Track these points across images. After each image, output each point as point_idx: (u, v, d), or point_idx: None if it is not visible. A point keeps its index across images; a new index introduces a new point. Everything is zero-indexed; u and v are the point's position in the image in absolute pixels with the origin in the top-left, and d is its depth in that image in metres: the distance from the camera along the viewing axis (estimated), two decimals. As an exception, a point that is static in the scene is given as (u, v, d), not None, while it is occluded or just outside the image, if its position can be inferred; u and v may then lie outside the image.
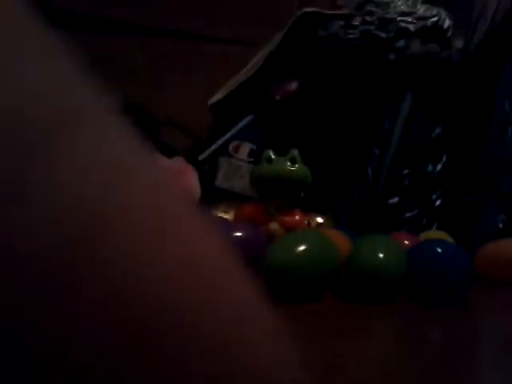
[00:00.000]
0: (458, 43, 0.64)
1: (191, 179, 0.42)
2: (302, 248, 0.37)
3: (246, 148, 0.73)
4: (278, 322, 0.14)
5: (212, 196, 0.65)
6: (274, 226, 0.47)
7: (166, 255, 0.11)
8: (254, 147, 0.72)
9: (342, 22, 0.64)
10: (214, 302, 0.12)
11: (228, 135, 0.72)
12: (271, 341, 0.14)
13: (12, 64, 0.10)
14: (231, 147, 0.72)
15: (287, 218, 0.48)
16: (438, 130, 0.65)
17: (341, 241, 0.42)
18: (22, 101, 0.10)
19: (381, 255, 0.38)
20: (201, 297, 0.12)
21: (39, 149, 0.10)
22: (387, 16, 0.63)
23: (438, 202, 0.65)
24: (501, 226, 0.82)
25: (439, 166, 0.65)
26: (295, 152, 0.49)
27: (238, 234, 0.41)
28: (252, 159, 0.71)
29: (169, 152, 0.70)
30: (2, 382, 0.10)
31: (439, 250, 0.42)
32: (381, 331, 0.35)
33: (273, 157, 0.49)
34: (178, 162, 0.43)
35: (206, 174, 0.70)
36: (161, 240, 0.11)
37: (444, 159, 0.65)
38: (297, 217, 0.49)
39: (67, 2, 0.87)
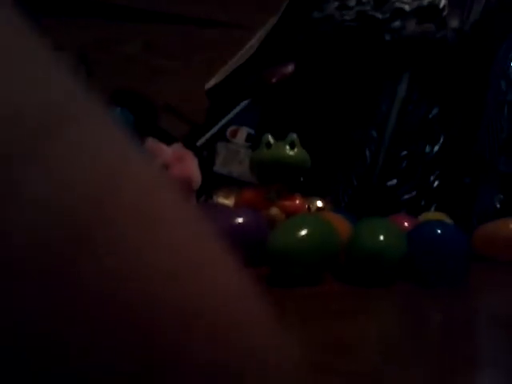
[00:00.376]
0: (454, 23, 0.63)
1: (191, 166, 0.42)
2: (303, 232, 0.37)
3: (243, 133, 0.73)
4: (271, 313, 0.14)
5: (211, 182, 0.65)
6: (274, 211, 0.48)
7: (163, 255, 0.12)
8: (252, 132, 0.72)
9: (337, 3, 0.64)
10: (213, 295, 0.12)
11: (225, 120, 0.72)
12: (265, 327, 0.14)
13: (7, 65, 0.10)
14: (229, 132, 0.72)
15: (287, 203, 0.48)
16: (435, 111, 0.65)
17: (341, 224, 0.43)
18: (16, 100, 0.10)
19: (381, 238, 0.39)
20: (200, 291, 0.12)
21: (33, 145, 0.10)
22: (383, -4, 0.63)
23: (436, 183, 0.65)
24: (498, 205, 0.82)
25: (437, 147, 0.65)
26: (294, 136, 0.49)
27: (240, 220, 0.42)
28: (250, 144, 0.71)
29: (167, 138, 0.70)
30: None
31: (438, 232, 0.42)
32: (381, 313, 0.36)
33: (272, 141, 0.49)
34: (177, 149, 0.43)
35: (205, 159, 0.70)
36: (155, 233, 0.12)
37: (441, 140, 0.65)
38: (297, 201, 0.49)
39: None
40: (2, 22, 0.11)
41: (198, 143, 0.70)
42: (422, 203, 0.64)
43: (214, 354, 0.12)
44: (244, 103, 0.72)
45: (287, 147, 0.48)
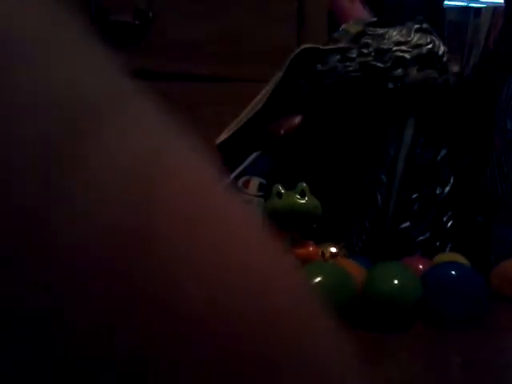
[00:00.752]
0: (455, 68, 0.65)
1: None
2: (317, 280, 0.37)
3: (255, 182, 0.74)
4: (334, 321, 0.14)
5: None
6: (288, 259, 0.48)
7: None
8: (264, 181, 0.73)
9: (339, 56, 0.66)
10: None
11: (237, 171, 0.74)
12: (331, 336, 0.14)
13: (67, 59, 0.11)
14: (241, 183, 0.74)
15: (301, 251, 0.49)
16: (443, 153, 0.66)
17: (355, 270, 0.43)
18: (81, 81, 0.11)
19: (395, 282, 0.39)
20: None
21: (98, 121, 0.11)
22: (383, 47, 0.65)
23: (449, 224, 0.65)
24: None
25: (447, 188, 0.65)
26: (303, 185, 0.50)
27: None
28: (262, 193, 0.72)
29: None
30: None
31: (452, 273, 0.42)
32: (399, 360, 0.36)
33: (282, 191, 0.50)
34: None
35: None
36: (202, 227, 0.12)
37: (451, 181, 0.66)
38: (310, 248, 0.50)
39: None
40: (66, 20, 0.12)
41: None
42: (437, 244, 0.64)
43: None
44: (255, 154, 0.73)
45: (297, 196, 0.49)
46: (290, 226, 0.49)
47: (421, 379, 0.31)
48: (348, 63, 0.65)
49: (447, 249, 0.63)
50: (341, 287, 0.38)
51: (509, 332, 0.43)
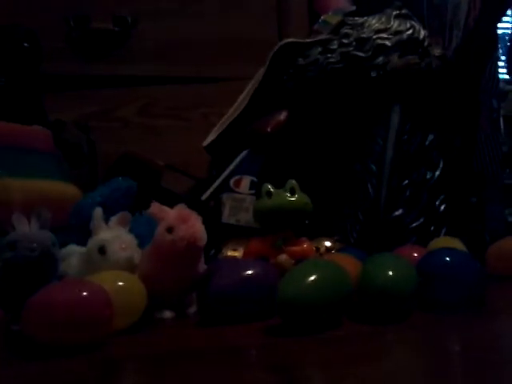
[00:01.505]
0: (437, 51, 0.65)
1: (195, 225, 0.43)
2: (311, 279, 0.37)
3: (246, 181, 0.74)
4: None
5: (220, 234, 0.65)
6: (283, 258, 0.48)
7: None
8: (255, 179, 0.73)
9: (320, 48, 0.66)
10: None
11: (227, 172, 0.74)
12: None
13: None
14: (232, 182, 0.73)
15: (295, 248, 0.49)
16: (430, 137, 0.66)
17: (350, 264, 0.43)
18: None
19: (390, 274, 0.39)
20: None
21: None
22: (363, 35, 0.65)
23: (442, 208, 0.65)
24: (510, 219, 0.82)
25: (438, 172, 0.65)
26: (293, 182, 0.50)
27: (249, 272, 0.42)
28: (254, 191, 0.72)
29: (171, 198, 0.71)
30: None
31: (448, 260, 0.42)
32: (402, 351, 0.35)
33: (272, 190, 0.50)
34: (180, 210, 0.44)
35: (211, 212, 0.71)
36: None
37: (441, 165, 0.66)
38: (304, 245, 0.50)
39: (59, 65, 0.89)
40: None
41: (203, 197, 0.71)
42: (432, 229, 0.64)
43: None
44: (244, 153, 0.73)
45: (287, 194, 0.49)
46: (282, 225, 0.49)
47: (422, 370, 0.31)
48: (329, 55, 0.65)
49: (442, 233, 0.63)
50: (336, 283, 0.38)
51: (507, 314, 0.43)
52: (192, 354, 0.34)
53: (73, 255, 0.46)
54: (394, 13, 0.67)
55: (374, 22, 0.66)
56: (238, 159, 0.73)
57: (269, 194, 0.49)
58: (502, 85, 0.76)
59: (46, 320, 0.33)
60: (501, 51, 0.93)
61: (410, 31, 0.65)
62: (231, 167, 0.73)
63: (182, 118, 0.95)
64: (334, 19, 0.71)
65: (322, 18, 0.74)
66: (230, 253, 0.56)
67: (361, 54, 0.64)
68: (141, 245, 0.45)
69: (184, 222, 0.42)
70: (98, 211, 0.44)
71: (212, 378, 0.29)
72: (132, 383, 0.30)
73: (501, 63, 0.87)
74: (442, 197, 0.66)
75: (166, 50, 0.95)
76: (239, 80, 0.82)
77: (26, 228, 0.39)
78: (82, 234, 0.46)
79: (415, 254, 0.49)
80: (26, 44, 0.75)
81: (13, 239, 0.38)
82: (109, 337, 0.36)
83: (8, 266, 0.39)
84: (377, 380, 0.29)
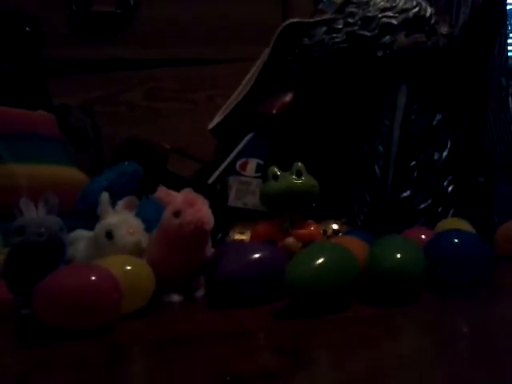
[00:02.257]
0: (444, 29, 0.64)
1: (202, 209, 0.42)
2: (319, 261, 0.37)
3: (252, 164, 0.73)
4: None
5: (226, 217, 0.65)
6: (290, 240, 0.48)
7: None
8: (261, 162, 0.73)
9: (325, 28, 0.65)
10: None
11: (233, 154, 0.73)
12: None
13: None
14: (238, 165, 0.73)
15: (302, 231, 0.49)
16: (438, 117, 0.65)
17: (358, 247, 0.43)
18: None
19: (398, 256, 0.39)
20: None
21: None
22: (369, 14, 0.64)
23: (450, 188, 0.65)
24: (518, 199, 0.81)
25: (445, 153, 0.65)
26: (299, 164, 0.50)
27: (257, 255, 0.42)
28: (260, 174, 0.72)
29: (178, 181, 0.71)
30: None
31: (456, 241, 0.42)
32: (410, 333, 0.35)
33: (278, 173, 0.49)
34: (187, 194, 0.44)
35: (218, 195, 0.71)
36: None
37: (449, 145, 0.65)
38: (311, 228, 0.50)
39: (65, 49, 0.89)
40: None
41: (209, 181, 0.71)
42: (439, 210, 0.64)
43: None
44: (250, 136, 0.73)
45: (294, 176, 0.48)
46: (289, 208, 0.49)
47: (430, 352, 0.31)
48: (335, 34, 0.64)
49: (449, 214, 0.63)
50: (344, 265, 0.38)
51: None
52: (200, 338, 0.34)
53: (80, 240, 0.46)
54: (401, -10, 0.65)
55: (380, 1, 0.65)
56: (243, 142, 0.73)
57: (275, 176, 0.49)
58: (510, 62, 0.75)
59: (54, 304, 0.33)
60: (509, 28, 0.92)
61: (417, 9, 0.64)
62: (237, 150, 0.73)
63: (187, 101, 0.94)
64: (338, -2, 0.70)
65: (326, -3, 0.73)
66: (237, 236, 0.56)
67: (367, 33, 0.63)
68: (148, 229, 0.45)
69: (191, 206, 0.42)
70: (105, 196, 0.44)
71: (220, 361, 0.30)
72: (141, 367, 0.31)
73: (510, 40, 0.86)
74: (450, 177, 0.65)
75: (169, 33, 0.94)
76: (244, 61, 0.81)
77: (33, 213, 0.39)
78: (90, 218, 0.46)
79: (423, 236, 0.48)
80: (28, 29, 0.74)
81: (21, 224, 0.39)
82: (117, 321, 0.36)
83: (16, 251, 0.39)
84: (385, 362, 0.29)
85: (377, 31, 0.63)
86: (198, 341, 0.34)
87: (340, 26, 0.64)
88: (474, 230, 0.51)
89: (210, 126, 0.73)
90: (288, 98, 0.67)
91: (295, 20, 0.68)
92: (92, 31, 0.93)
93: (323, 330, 0.35)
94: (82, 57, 0.93)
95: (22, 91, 0.72)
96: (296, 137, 0.67)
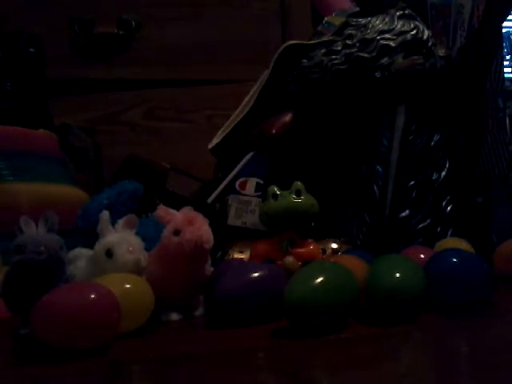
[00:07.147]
0: (441, 51, 0.65)
1: (202, 227, 0.43)
2: (318, 281, 0.37)
3: (252, 183, 0.74)
4: None
5: (226, 236, 0.65)
6: (289, 260, 0.48)
7: None
8: (260, 181, 0.73)
9: (324, 50, 0.66)
10: None
11: (233, 174, 0.74)
12: None
13: None
14: (238, 184, 0.73)
15: (301, 250, 0.49)
16: (436, 138, 0.66)
17: (357, 266, 0.43)
18: None
19: (397, 275, 0.39)
20: None
21: None
22: (367, 36, 0.65)
23: (448, 208, 0.65)
24: (517, 219, 0.82)
25: (443, 173, 0.65)
26: (298, 183, 0.50)
27: (256, 274, 0.42)
28: (259, 193, 0.72)
29: (177, 200, 0.71)
30: None
31: (455, 260, 0.42)
32: (410, 353, 0.35)
33: (278, 192, 0.50)
34: (187, 212, 0.44)
35: (217, 214, 0.71)
36: None
37: (447, 165, 0.65)
38: (311, 247, 0.50)
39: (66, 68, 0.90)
40: None
41: (209, 200, 0.71)
42: (438, 230, 0.64)
43: None
44: (249, 155, 0.73)
45: (293, 196, 0.49)
46: (288, 227, 0.49)
47: (430, 372, 0.31)
48: (333, 56, 0.65)
49: (448, 234, 0.63)
50: (343, 285, 0.38)
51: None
52: (199, 357, 0.34)
53: (80, 258, 0.46)
54: (398, 13, 0.66)
55: (378, 23, 0.66)
56: (243, 161, 0.73)
57: (275, 195, 0.49)
58: (507, 84, 0.76)
59: (54, 323, 0.33)
60: (505, 50, 0.93)
61: (414, 31, 0.65)
62: (237, 169, 0.73)
63: (187, 121, 0.95)
64: (337, 20, 0.71)
65: (325, 19, 0.74)
66: (236, 255, 0.56)
67: (365, 54, 0.64)
68: (148, 247, 0.45)
69: (191, 225, 0.42)
70: (105, 214, 0.45)
71: (219, 380, 0.29)
72: (140, 386, 0.30)
73: (506, 62, 0.87)
74: (449, 197, 0.65)
75: (169, 54, 0.96)
76: (243, 82, 0.82)
77: (33, 231, 0.40)
78: (89, 237, 0.46)
79: (422, 256, 0.48)
80: (31, 49, 0.75)
81: (20, 242, 0.39)
82: (116, 339, 0.36)
83: (15, 269, 0.39)
84: (385, 382, 0.29)
85: (375, 53, 0.64)
86: (198, 359, 0.33)
87: (339, 48, 0.65)
88: (473, 250, 0.51)
89: (210, 145, 0.73)
90: (287, 118, 0.68)
91: (294, 42, 0.69)
92: (94, 52, 0.94)
93: (323, 350, 0.35)
94: (84, 76, 0.94)
95: (24, 110, 0.73)
96: (295, 156, 0.67)
